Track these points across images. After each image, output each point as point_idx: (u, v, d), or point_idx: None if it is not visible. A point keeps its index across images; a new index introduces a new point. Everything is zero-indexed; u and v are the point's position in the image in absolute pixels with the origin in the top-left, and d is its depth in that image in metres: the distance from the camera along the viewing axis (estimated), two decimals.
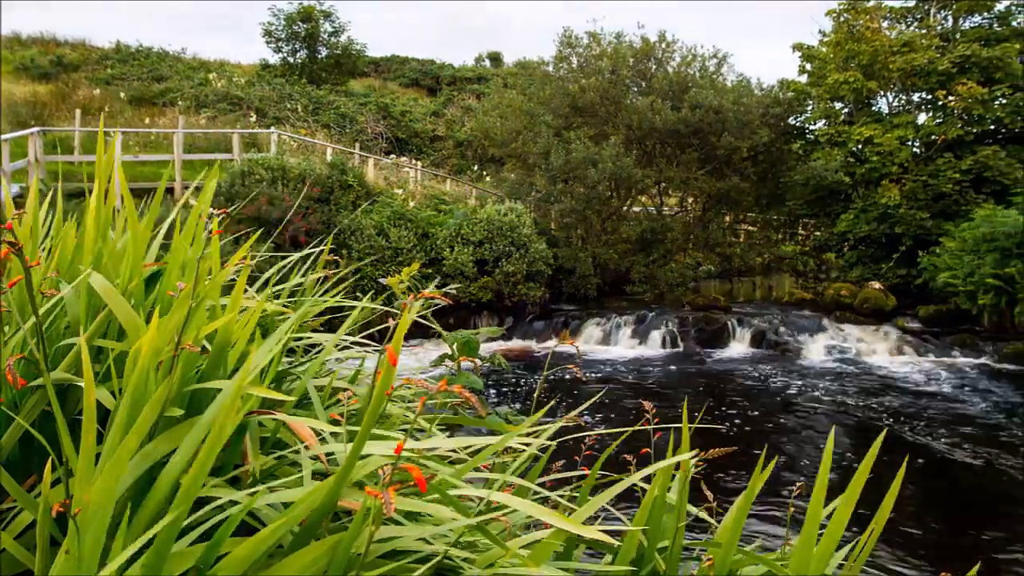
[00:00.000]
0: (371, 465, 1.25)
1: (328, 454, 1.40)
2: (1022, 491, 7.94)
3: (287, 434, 1.53)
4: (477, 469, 1.70)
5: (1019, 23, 22.20)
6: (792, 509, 2.30)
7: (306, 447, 1.36)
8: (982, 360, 15.75)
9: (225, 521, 1.14)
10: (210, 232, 1.73)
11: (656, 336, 17.11)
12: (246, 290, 1.89)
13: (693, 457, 1.63)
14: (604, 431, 2.01)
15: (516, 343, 17.02)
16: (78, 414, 1.46)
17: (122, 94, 26.99)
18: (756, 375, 14.07)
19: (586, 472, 1.85)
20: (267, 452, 1.50)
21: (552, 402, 1.88)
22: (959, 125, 20.43)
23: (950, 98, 20.24)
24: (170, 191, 17.68)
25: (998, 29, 22.17)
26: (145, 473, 1.29)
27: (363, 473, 1.25)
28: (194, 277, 1.42)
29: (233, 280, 2.07)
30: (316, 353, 2.07)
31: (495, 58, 46.58)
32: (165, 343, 1.34)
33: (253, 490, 1.22)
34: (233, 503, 1.22)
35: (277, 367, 1.68)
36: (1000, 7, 22.35)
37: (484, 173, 30.06)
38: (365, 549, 1.08)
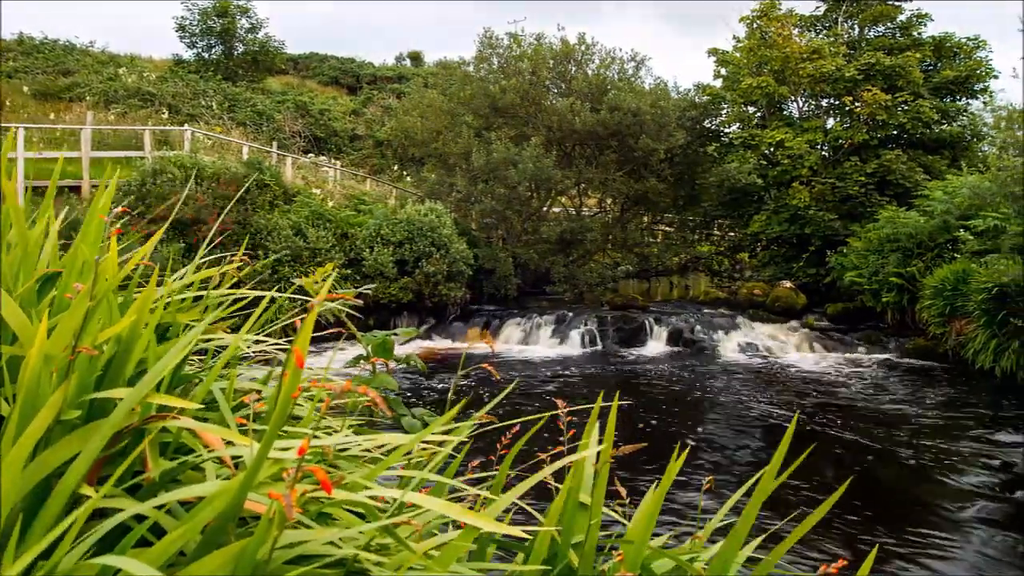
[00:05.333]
0: (278, 467, 1.23)
1: (234, 457, 1.38)
2: (920, 478, 8.29)
3: (192, 438, 1.50)
4: (392, 468, 1.68)
5: (919, 34, 23.23)
6: (702, 502, 2.35)
7: (210, 451, 1.33)
8: (885, 355, 16.39)
9: (117, 530, 1.11)
10: (110, 232, 1.68)
11: (575, 335, 17.28)
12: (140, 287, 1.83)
13: (607, 459, 1.65)
14: (522, 419, 2.02)
15: (437, 343, 16.96)
16: None
17: (25, 88, 25.93)
18: (672, 373, 14.35)
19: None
20: (171, 457, 1.46)
21: (464, 400, 1.88)
22: (864, 130, 21.23)
23: (856, 104, 21.00)
24: (78, 190, 17.04)
25: (900, 39, 23.16)
26: (41, 483, 1.24)
27: (269, 475, 1.23)
28: (92, 278, 1.37)
29: (140, 280, 2.00)
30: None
31: (416, 57, 46.38)
32: (60, 348, 1.29)
33: (158, 502, 1.18)
34: (137, 515, 1.18)
35: (181, 371, 1.64)
36: (902, 18, 23.34)
37: (404, 173, 29.88)
38: (268, 555, 1.06)
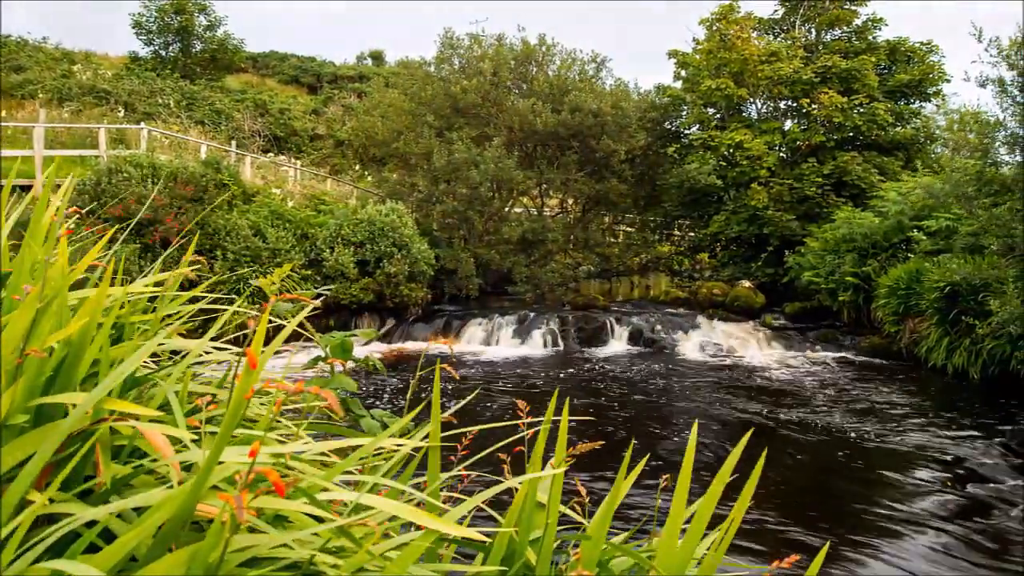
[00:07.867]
0: (231, 470, 1.22)
1: (186, 462, 1.36)
2: (874, 474, 8.44)
3: (147, 443, 1.48)
4: (351, 471, 1.68)
5: (874, 38, 23.65)
6: (660, 500, 2.37)
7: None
8: (842, 353, 16.65)
9: (67, 537, 1.09)
10: (60, 232, 1.65)
11: (537, 336, 17.31)
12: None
13: (562, 467, 1.66)
14: (482, 427, 2.02)
15: (397, 344, 16.89)
16: None
17: None
18: (633, 372, 14.44)
19: (464, 475, 1.86)
20: (125, 462, 1.44)
21: (424, 403, 1.87)
22: (821, 132, 21.58)
23: (813, 106, 21.33)
24: (30, 189, 16.69)
25: (856, 43, 23.56)
26: None
27: (223, 478, 1.22)
28: (42, 279, 1.35)
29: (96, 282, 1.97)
30: (181, 358, 1.99)
31: (377, 57, 46.14)
32: (8, 350, 1.27)
33: (110, 508, 1.17)
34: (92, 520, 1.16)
35: (133, 374, 1.62)
36: (858, 22, 23.75)
37: (365, 173, 29.69)
38: (219, 558, 1.05)
